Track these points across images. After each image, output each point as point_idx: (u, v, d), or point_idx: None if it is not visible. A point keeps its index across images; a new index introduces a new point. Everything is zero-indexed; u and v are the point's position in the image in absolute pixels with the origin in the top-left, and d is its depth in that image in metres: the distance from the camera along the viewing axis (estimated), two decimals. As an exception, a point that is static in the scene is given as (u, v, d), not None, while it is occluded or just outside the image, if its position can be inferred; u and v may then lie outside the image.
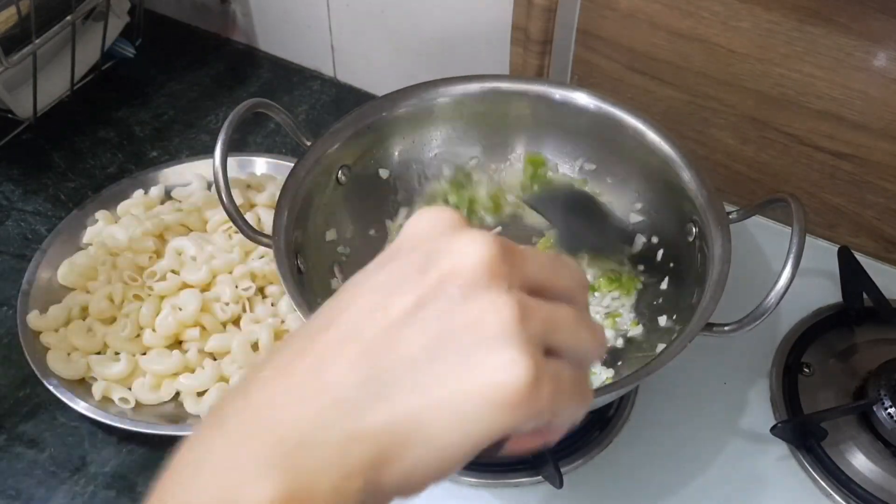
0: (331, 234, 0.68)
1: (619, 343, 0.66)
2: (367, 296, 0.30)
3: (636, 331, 0.66)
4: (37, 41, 0.80)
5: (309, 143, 0.66)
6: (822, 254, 0.75)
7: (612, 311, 0.68)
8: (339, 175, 0.68)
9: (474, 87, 0.71)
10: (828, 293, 0.72)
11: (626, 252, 0.69)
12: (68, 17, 0.83)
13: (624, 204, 0.71)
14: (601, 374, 0.65)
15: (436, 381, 0.28)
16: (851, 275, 0.71)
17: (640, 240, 0.70)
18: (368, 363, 0.29)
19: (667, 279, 0.67)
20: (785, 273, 0.54)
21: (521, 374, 0.28)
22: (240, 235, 0.74)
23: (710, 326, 0.55)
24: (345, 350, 0.29)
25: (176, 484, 0.30)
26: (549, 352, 0.30)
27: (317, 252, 0.66)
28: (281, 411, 0.29)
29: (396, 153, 0.72)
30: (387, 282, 0.30)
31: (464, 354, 0.28)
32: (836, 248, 0.72)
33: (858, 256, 0.72)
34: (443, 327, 0.29)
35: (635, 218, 0.71)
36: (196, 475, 0.29)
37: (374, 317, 0.30)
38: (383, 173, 0.71)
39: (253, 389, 0.30)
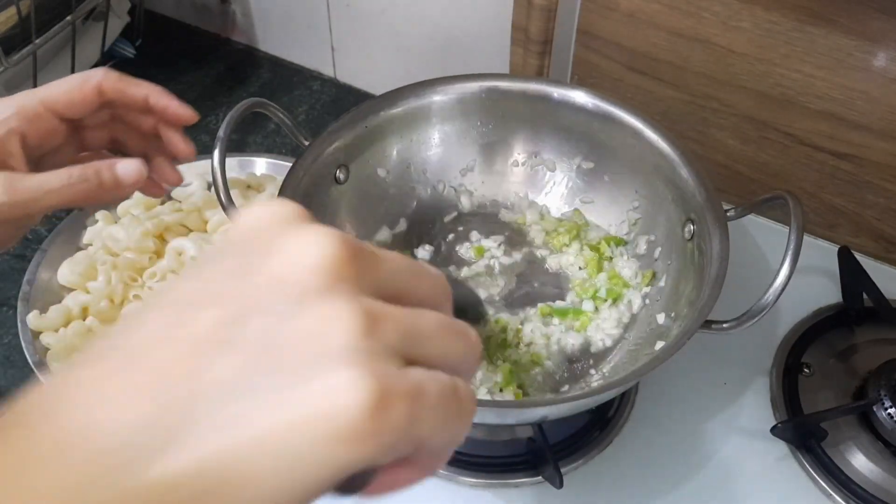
0: None
1: (607, 344, 0.66)
2: (166, 310, 0.24)
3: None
4: (37, 41, 0.80)
5: (307, 143, 0.66)
6: (822, 254, 0.75)
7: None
8: (338, 174, 0.68)
9: (473, 86, 0.71)
10: (828, 293, 0.72)
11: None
12: (68, 17, 0.83)
13: (622, 202, 0.71)
14: (612, 331, 0.66)
15: (252, 414, 0.22)
16: (851, 275, 0.71)
17: (642, 241, 0.70)
18: (157, 396, 0.22)
19: (665, 277, 0.67)
20: (783, 270, 0.54)
21: (361, 397, 0.22)
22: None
23: (708, 324, 0.55)
24: (125, 382, 0.23)
25: None
26: (412, 364, 0.25)
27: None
28: (30, 476, 0.22)
29: (395, 152, 0.72)
30: (196, 290, 0.24)
31: (291, 377, 0.22)
32: (836, 248, 0.72)
33: (858, 256, 0.72)
34: (265, 344, 0.23)
35: (633, 216, 0.71)
36: None
37: (171, 335, 0.23)
38: (381, 172, 0.72)
39: (8, 438, 0.23)
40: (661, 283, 0.67)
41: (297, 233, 0.25)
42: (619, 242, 0.71)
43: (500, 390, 0.62)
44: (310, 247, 0.24)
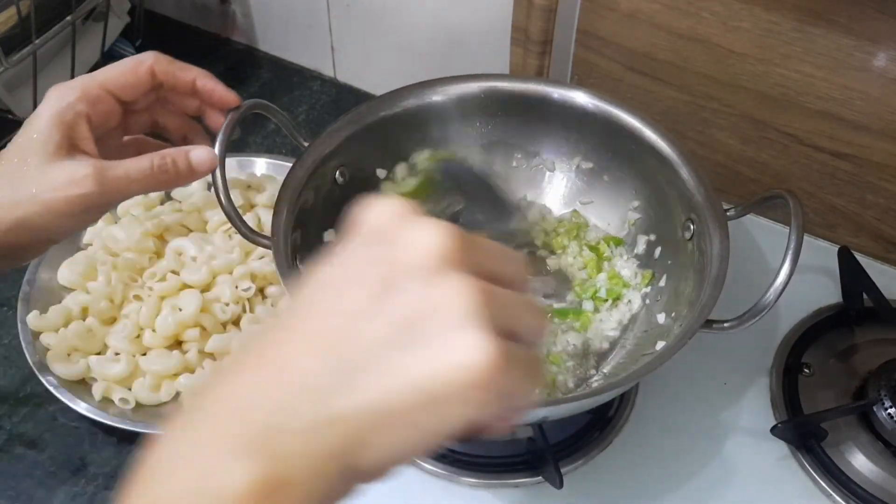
0: (329, 235, 0.68)
1: (605, 345, 0.66)
2: (321, 292, 0.31)
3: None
4: (37, 41, 0.80)
5: (307, 144, 0.66)
6: (822, 254, 0.75)
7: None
8: (337, 175, 0.68)
9: (472, 86, 0.71)
10: (828, 293, 0.72)
11: (513, 225, 0.69)
12: (68, 18, 0.83)
13: (621, 202, 0.71)
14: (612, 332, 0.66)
15: (404, 366, 0.29)
16: (851, 275, 0.71)
17: (642, 241, 0.70)
18: (335, 353, 0.29)
19: (665, 277, 0.67)
20: (784, 269, 0.54)
21: (488, 355, 0.28)
22: (240, 236, 0.75)
23: (709, 323, 0.55)
24: (311, 343, 0.30)
25: (147, 480, 0.30)
26: (505, 335, 0.30)
27: (316, 253, 0.66)
28: (250, 401, 0.30)
29: (394, 153, 0.72)
30: (343, 276, 0.31)
31: (430, 339, 0.29)
32: (836, 248, 0.72)
33: (858, 256, 0.72)
34: (406, 314, 0.29)
35: (633, 216, 0.71)
36: (167, 468, 0.30)
37: (330, 310, 0.30)
38: (381, 173, 0.71)
39: (220, 385, 0.31)
40: (661, 283, 0.67)
41: (414, 226, 0.30)
42: (619, 242, 0.71)
43: None
44: (428, 237, 0.30)
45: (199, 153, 0.55)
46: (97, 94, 0.53)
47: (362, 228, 0.32)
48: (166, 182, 0.54)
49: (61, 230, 0.53)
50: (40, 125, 0.51)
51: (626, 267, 0.69)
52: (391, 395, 0.29)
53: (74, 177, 0.50)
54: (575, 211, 0.74)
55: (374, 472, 0.30)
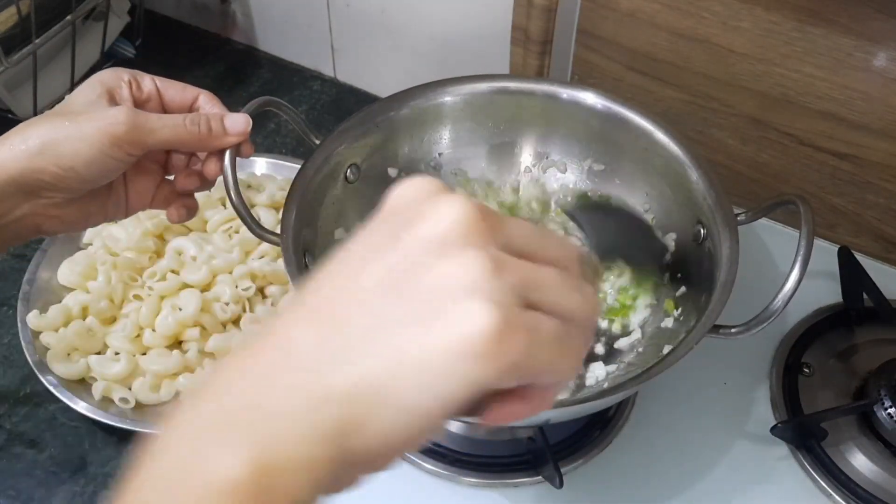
0: (339, 233, 0.68)
1: (616, 345, 0.66)
2: (342, 267, 0.31)
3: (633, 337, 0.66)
4: (37, 41, 0.80)
5: (318, 142, 0.66)
6: (822, 254, 0.75)
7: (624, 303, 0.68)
8: (348, 174, 0.68)
9: (482, 86, 0.70)
10: (828, 293, 0.72)
11: (661, 263, 0.68)
12: (68, 17, 0.83)
13: (633, 204, 0.71)
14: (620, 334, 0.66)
15: (403, 341, 0.28)
16: (851, 275, 0.71)
17: (671, 239, 0.69)
18: (335, 328, 0.29)
19: (674, 280, 0.67)
20: (792, 276, 0.54)
21: (487, 321, 0.27)
22: (240, 235, 0.75)
23: (716, 329, 0.55)
24: (312, 320, 0.29)
25: (139, 472, 0.29)
26: (532, 307, 0.29)
27: (325, 251, 0.65)
28: (242, 385, 0.29)
29: (405, 152, 0.72)
30: (363, 251, 0.30)
31: (432, 311, 0.28)
32: (836, 248, 0.72)
33: (858, 256, 0.72)
34: (413, 287, 0.28)
35: (644, 218, 0.70)
36: (158, 459, 0.29)
37: (347, 285, 0.30)
38: (392, 172, 0.71)
39: (217, 375, 0.30)
40: (670, 286, 0.67)
41: (438, 200, 0.30)
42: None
43: None
44: (448, 210, 0.29)
45: (234, 117, 0.57)
46: (144, 78, 0.57)
47: (389, 205, 0.32)
48: (198, 138, 0.55)
49: (88, 165, 0.53)
50: (83, 87, 0.54)
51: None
52: (388, 372, 0.28)
53: (108, 112, 0.52)
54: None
55: (372, 459, 0.29)
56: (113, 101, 0.54)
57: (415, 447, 0.29)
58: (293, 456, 0.27)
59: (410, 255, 0.29)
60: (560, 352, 0.30)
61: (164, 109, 0.57)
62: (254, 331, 0.32)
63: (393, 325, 0.28)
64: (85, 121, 0.51)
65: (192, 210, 0.61)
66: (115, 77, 0.55)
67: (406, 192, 0.31)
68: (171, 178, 0.60)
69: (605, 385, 0.62)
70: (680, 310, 0.63)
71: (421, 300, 0.28)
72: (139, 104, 0.56)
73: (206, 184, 0.59)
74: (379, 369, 0.28)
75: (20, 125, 0.52)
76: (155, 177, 0.59)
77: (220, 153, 0.57)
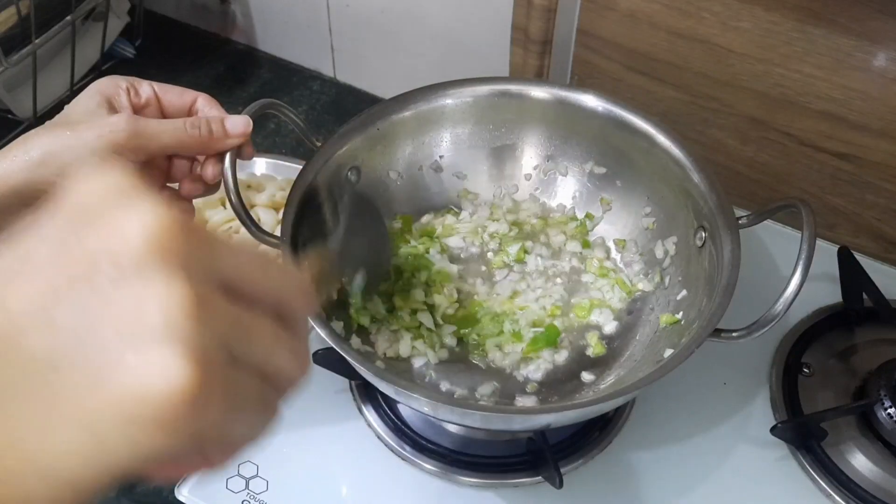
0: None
1: (617, 348, 0.66)
2: None
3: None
4: (37, 41, 0.80)
5: (319, 144, 0.66)
6: (822, 254, 0.74)
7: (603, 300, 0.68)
8: (349, 175, 0.68)
9: (484, 89, 0.70)
10: (828, 293, 0.72)
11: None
12: (68, 17, 0.83)
13: (634, 207, 0.71)
14: (620, 337, 0.65)
15: (60, 394, 0.22)
16: (851, 275, 0.71)
17: (652, 246, 0.69)
18: None
19: (675, 283, 0.66)
20: (794, 281, 0.54)
21: (179, 379, 0.21)
22: (239, 236, 0.74)
23: (717, 332, 0.55)
24: None
25: None
26: (234, 361, 0.24)
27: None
28: None
29: (406, 154, 0.72)
30: (14, 264, 0.23)
31: (106, 356, 0.22)
32: (836, 249, 0.72)
33: (858, 256, 0.72)
34: (81, 321, 0.22)
35: (646, 221, 0.70)
36: None
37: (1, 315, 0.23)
38: (393, 175, 0.71)
39: None
40: (671, 290, 0.67)
41: (125, 204, 0.23)
42: (623, 244, 0.71)
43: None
44: (139, 221, 0.22)
45: (235, 118, 0.57)
46: (142, 84, 0.56)
47: (65, 203, 0.24)
48: (199, 141, 0.55)
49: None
50: (81, 97, 0.55)
51: (635, 272, 0.69)
52: (35, 434, 0.22)
53: (108, 119, 0.52)
54: (588, 213, 0.72)
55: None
56: (112, 108, 0.54)
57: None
58: None
59: (79, 278, 0.22)
60: (255, 416, 0.25)
61: (163, 114, 0.57)
62: None
63: (49, 372, 0.22)
64: (85, 130, 0.51)
65: (189, 216, 0.61)
66: (113, 84, 0.55)
67: (90, 187, 0.24)
68: (172, 184, 0.60)
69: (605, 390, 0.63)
70: (681, 313, 0.63)
71: (91, 340, 0.22)
72: (138, 110, 0.56)
73: (210, 188, 0.59)
74: (22, 431, 0.22)
75: (21, 137, 0.52)
76: (156, 183, 0.59)
77: (220, 156, 0.57)
